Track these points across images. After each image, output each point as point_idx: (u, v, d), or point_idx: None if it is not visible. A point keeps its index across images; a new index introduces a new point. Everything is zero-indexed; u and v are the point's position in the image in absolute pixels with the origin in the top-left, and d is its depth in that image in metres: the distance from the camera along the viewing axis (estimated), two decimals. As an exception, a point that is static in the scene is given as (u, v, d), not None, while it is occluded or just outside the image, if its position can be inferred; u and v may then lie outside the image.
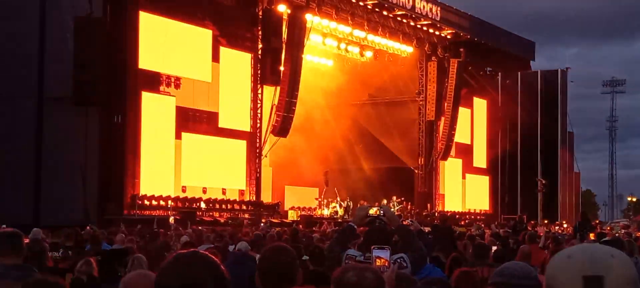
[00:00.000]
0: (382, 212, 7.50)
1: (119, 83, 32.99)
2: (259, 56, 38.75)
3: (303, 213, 40.90)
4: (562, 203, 60.81)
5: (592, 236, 25.36)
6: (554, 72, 61.52)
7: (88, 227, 23.16)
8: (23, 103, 33.67)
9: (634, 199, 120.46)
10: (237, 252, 12.98)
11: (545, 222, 53.74)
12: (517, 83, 60.24)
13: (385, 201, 41.20)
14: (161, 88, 34.80)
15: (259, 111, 39.23)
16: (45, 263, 9.29)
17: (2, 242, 6.44)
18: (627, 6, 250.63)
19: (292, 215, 39.78)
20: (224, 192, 37.44)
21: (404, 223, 10.11)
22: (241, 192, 38.27)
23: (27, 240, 15.35)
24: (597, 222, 49.28)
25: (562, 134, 60.78)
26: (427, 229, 29.24)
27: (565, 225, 49.97)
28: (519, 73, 59.40)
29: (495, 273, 4.11)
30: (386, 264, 5.27)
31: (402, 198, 45.36)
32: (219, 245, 16.93)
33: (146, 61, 34.16)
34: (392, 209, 40.28)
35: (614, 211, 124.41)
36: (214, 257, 2.99)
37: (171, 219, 30.98)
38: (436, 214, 46.09)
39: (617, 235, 28.28)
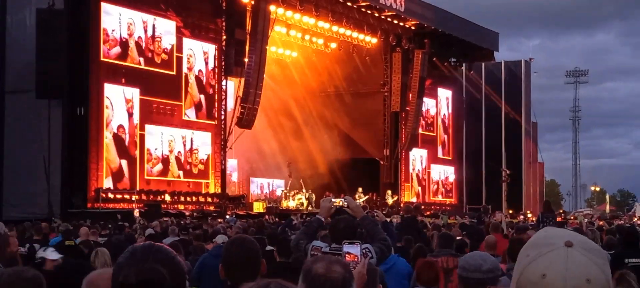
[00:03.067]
0: (346, 203, 7.49)
1: (81, 75, 32.73)
2: (223, 47, 38.59)
3: (269, 205, 40.81)
4: (526, 194, 61.32)
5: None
6: (518, 62, 61.99)
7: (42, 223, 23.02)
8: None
9: (598, 189, 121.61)
10: (217, 245, 12.91)
11: (510, 212, 54.13)
12: (481, 73, 60.64)
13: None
14: (124, 80, 34.49)
15: (223, 103, 39.07)
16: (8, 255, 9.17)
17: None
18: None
19: (257, 207, 39.70)
20: (188, 185, 37.27)
21: (370, 214, 10.10)
22: (206, 185, 38.12)
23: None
24: (562, 211, 49.59)
25: (526, 124, 61.27)
26: (395, 219, 29.39)
27: (529, 215, 50.33)
28: (483, 64, 59.73)
29: (460, 266, 4.10)
30: (356, 259, 5.24)
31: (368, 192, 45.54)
32: (185, 238, 16.86)
33: (109, 53, 33.89)
34: (358, 201, 40.45)
35: (578, 201, 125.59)
36: (171, 250, 2.93)
37: (136, 212, 30.80)
38: (402, 205, 46.21)
39: (580, 224, 28.51)
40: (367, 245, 6.93)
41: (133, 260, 2.78)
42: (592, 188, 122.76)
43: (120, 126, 34.25)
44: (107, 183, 33.36)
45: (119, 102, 34.21)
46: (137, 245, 2.93)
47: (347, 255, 5.23)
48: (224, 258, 4.82)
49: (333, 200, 7.66)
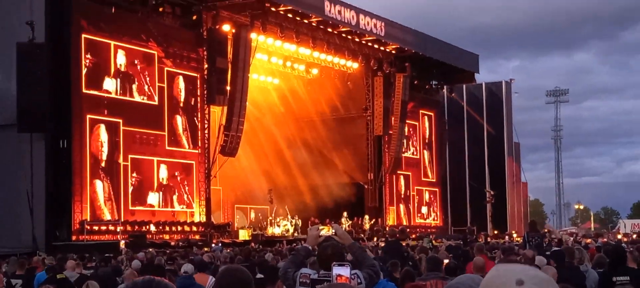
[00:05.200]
0: (333, 231, 7.55)
1: (63, 108, 32.65)
2: (205, 76, 38.59)
3: (255, 232, 40.71)
4: (511, 214, 61.48)
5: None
6: (498, 83, 62.29)
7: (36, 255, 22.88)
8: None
9: (581, 207, 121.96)
10: (184, 275, 12.87)
11: (495, 232, 54.27)
12: (463, 95, 60.89)
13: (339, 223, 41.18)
14: (107, 111, 34.43)
15: (206, 131, 39.03)
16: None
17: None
18: (563, 19, 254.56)
19: (243, 235, 39.61)
20: (173, 215, 37.16)
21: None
22: (191, 214, 38.01)
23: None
24: (547, 230, 49.76)
25: (508, 145, 61.47)
26: (380, 243, 29.40)
27: (514, 235, 50.41)
28: (464, 86, 59.99)
29: (448, 285, 4.13)
30: (347, 281, 5.28)
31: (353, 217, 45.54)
32: (172, 268, 16.83)
33: (91, 85, 33.83)
34: (343, 226, 40.52)
35: (562, 219, 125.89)
36: (170, 283, 2.96)
37: (122, 243, 30.68)
38: (387, 229, 46.28)
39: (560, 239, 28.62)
40: (356, 271, 6.97)
41: None
42: (576, 206, 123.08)
43: (104, 157, 34.13)
44: (92, 215, 33.21)
45: (102, 133, 34.12)
46: (138, 280, 2.96)
47: (338, 277, 5.27)
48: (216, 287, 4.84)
49: (320, 228, 7.70)
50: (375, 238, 39.95)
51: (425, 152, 55.65)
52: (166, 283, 2.89)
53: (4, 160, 32.70)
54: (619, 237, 41.35)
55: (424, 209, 55.03)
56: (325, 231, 7.50)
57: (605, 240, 33.44)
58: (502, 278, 2.32)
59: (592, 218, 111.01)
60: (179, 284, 11.93)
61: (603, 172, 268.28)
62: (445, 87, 58.50)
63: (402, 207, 52.48)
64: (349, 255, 7.57)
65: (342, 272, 5.33)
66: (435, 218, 56.29)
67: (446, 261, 11.65)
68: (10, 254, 23.06)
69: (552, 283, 2.35)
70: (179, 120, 37.86)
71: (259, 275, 10.24)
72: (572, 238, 34.56)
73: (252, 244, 34.26)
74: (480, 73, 57.19)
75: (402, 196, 52.69)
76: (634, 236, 42.27)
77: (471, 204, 59.99)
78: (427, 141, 55.89)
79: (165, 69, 37.21)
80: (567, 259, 12.49)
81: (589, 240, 32.30)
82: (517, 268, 2.32)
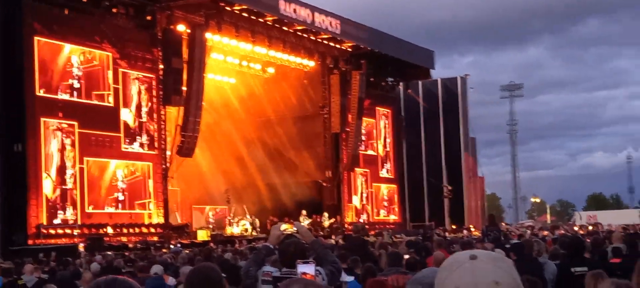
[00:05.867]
0: (296, 229, 7.55)
1: (17, 111, 32.30)
2: (160, 77, 38.37)
3: (214, 233, 40.58)
4: (468, 208, 61.92)
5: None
6: (453, 79, 62.66)
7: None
8: None
9: (538, 200, 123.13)
10: (154, 276, 12.82)
11: (453, 227, 54.60)
12: (419, 92, 61.19)
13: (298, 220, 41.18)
14: (61, 114, 34.10)
15: (163, 132, 38.80)
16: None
17: None
18: (516, 14, 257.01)
19: (202, 235, 39.42)
20: (130, 217, 36.90)
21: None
22: (148, 215, 37.78)
23: None
24: (505, 224, 50.14)
25: (464, 140, 61.88)
26: (338, 240, 29.43)
27: (472, 229, 50.81)
28: (420, 82, 60.29)
29: (413, 282, 4.15)
30: (312, 278, 5.27)
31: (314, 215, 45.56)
32: (131, 270, 16.74)
33: (44, 87, 33.50)
34: (302, 223, 40.46)
35: (518, 213, 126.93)
36: (134, 282, 2.95)
37: (80, 246, 30.43)
38: (347, 225, 46.44)
39: (522, 234, 28.87)
40: (318, 268, 6.98)
41: None
42: (532, 199, 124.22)
43: (59, 160, 33.82)
44: (48, 219, 32.90)
45: (56, 136, 33.82)
46: (100, 280, 2.94)
47: (302, 274, 5.26)
48: (189, 285, 4.82)
49: (283, 226, 7.70)
50: (333, 236, 39.97)
51: (382, 148, 55.82)
52: (130, 283, 2.88)
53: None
54: (576, 229, 41.77)
55: (382, 205, 55.21)
56: (287, 229, 7.49)
57: (562, 232, 33.78)
58: (456, 258, 2.48)
59: (548, 211, 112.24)
60: (150, 285, 11.87)
61: (557, 165, 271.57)
62: (401, 83, 58.74)
63: (360, 204, 52.59)
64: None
65: (306, 269, 5.33)
66: (394, 214, 56.49)
67: (407, 256, 11.69)
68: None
69: (505, 259, 2.50)
70: (135, 122, 37.60)
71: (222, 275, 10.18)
72: (529, 231, 34.86)
73: (211, 244, 34.12)
74: (436, 69, 57.43)
75: (360, 193, 52.81)
76: (590, 228, 42.74)
77: (429, 200, 60.33)
78: (384, 138, 56.06)
79: (120, 70, 36.93)
80: (526, 251, 12.60)
81: (546, 233, 32.59)
82: (470, 251, 2.47)
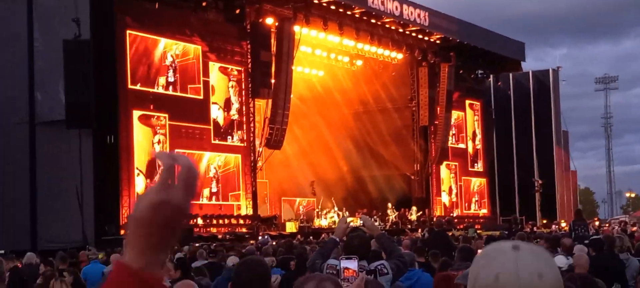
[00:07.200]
0: (362, 222, 7.63)
1: (110, 103, 33.03)
2: (249, 70, 38.78)
3: (302, 225, 40.80)
4: (560, 203, 60.98)
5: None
6: (545, 71, 61.74)
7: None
8: (16, 128, 33.82)
9: (633, 195, 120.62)
10: (231, 267, 13.01)
11: (544, 222, 53.88)
12: (509, 84, 60.47)
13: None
14: (152, 106, 34.76)
15: (251, 125, 39.24)
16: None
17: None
18: (609, 5, 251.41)
19: (290, 227, 39.73)
20: (220, 208, 37.41)
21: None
22: (238, 207, 38.24)
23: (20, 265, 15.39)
24: (596, 220, 49.12)
25: (556, 133, 60.92)
26: (423, 234, 29.30)
27: (563, 224, 50.02)
28: (511, 74, 59.57)
29: (460, 276, 4.18)
30: (354, 274, 5.33)
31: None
32: (214, 261, 17.01)
33: (136, 80, 34.21)
34: (389, 217, 40.51)
35: (613, 208, 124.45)
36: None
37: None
38: (434, 220, 46.17)
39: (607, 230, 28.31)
40: (383, 261, 7.04)
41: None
42: (627, 194, 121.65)
43: (150, 152, 34.47)
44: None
45: (148, 128, 34.48)
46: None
47: (345, 270, 5.31)
48: (234, 279, 4.93)
49: (349, 219, 7.78)
50: (419, 230, 39.86)
51: (471, 141, 55.36)
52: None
53: (53, 156, 33.15)
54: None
55: (472, 199, 54.78)
56: (352, 221, 7.57)
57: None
58: (498, 246, 2.44)
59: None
60: (225, 276, 12.06)
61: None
62: (491, 76, 58.13)
63: (449, 197, 52.29)
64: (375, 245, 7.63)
65: (349, 265, 5.38)
66: (484, 208, 56.01)
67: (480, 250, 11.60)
68: (60, 249, 23.39)
69: (547, 253, 2.46)
70: (224, 114, 38.09)
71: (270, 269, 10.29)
72: (617, 227, 34.15)
73: (299, 236, 34.38)
74: (527, 61, 56.73)
75: (449, 186, 52.49)
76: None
77: (519, 194, 59.57)
78: (473, 131, 55.60)
79: (210, 63, 37.48)
80: (606, 247, 12.39)
81: (634, 228, 31.89)
82: (513, 241, 2.42)
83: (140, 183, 33.79)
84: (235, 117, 38.56)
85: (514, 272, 2.31)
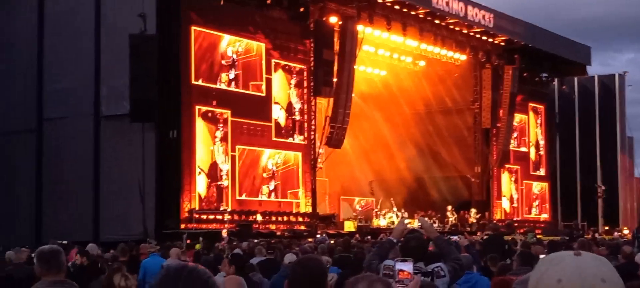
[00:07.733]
0: (420, 224, 7.62)
1: (173, 99, 33.38)
2: (312, 68, 38.86)
3: (361, 224, 40.72)
4: (623, 209, 60.03)
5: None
6: (611, 76, 60.77)
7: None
8: (81, 121, 34.35)
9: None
10: (288, 265, 13.07)
11: (606, 228, 53.12)
12: (574, 88, 59.71)
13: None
14: (215, 102, 35.03)
15: (312, 123, 39.32)
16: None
17: (43, 259, 6.61)
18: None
19: (349, 226, 39.70)
20: (279, 205, 37.56)
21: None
22: (297, 204, 38.35)
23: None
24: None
25: (621, 139, 59.99)
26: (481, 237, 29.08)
27: (626, 232, 49.28)
28: (576, 78, 58.81)
29: (517, 281, 4.15)
30: (409, 276, 5.31)
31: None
32: (272, 257, 17.12)
33: (199, 76, 34.52)
34: (449, 219, 40.31)
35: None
36: (206, 271, 3.05)
37: (224, 232, 31.13)
38: (491, 224, 45.81)
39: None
40: (440, 263, 7.03)
41: (165, 281, 2.92)
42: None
43: (212, 147, 34.74)
44: (200, 204, 33.85)
45: (210, 124, 34.75)
46: (171, 265, 3.07)
47: (400, 272, 5.30)
48: (290, 278, 4.96)
49: (407, 221, 7.78)
50: (479, 233, 39.55)
51: (534, 145, 54.79)
52: (198, 271, 2.99)
53: (117, 150, 33.58)
54: None
55: (533, 204, 54.23)
56: (411, 223, 7.57)
57: None
58: (560, 253, 2.46)
59: None
60: (282, 274, 12.13)
61: None
62: (555, 79, 57.45)
63: (509, 201, 51.82)
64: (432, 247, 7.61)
65: (404, 267, 5.36)
66: (545, 213, 55.40)
67: (542, 256, 11.51)
68: (122, 241, 23.69)
69: (607, 261, 2.45)
70: (286, 112, 38.23)
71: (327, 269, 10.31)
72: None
73: (357, 236, 34.33)
74: (592, 66, 55.85)
75: (510, 190, 52.02)
76: None
77: (582, 199, 58.80)
78: (536, 135, 55.02)
79: (273, 60, 37.65)
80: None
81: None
82: (575, 251, 2.42)
83: (201, 183, 34.10)
84: (297, 118, 38.66)
85: (578, 276, 2.32)
